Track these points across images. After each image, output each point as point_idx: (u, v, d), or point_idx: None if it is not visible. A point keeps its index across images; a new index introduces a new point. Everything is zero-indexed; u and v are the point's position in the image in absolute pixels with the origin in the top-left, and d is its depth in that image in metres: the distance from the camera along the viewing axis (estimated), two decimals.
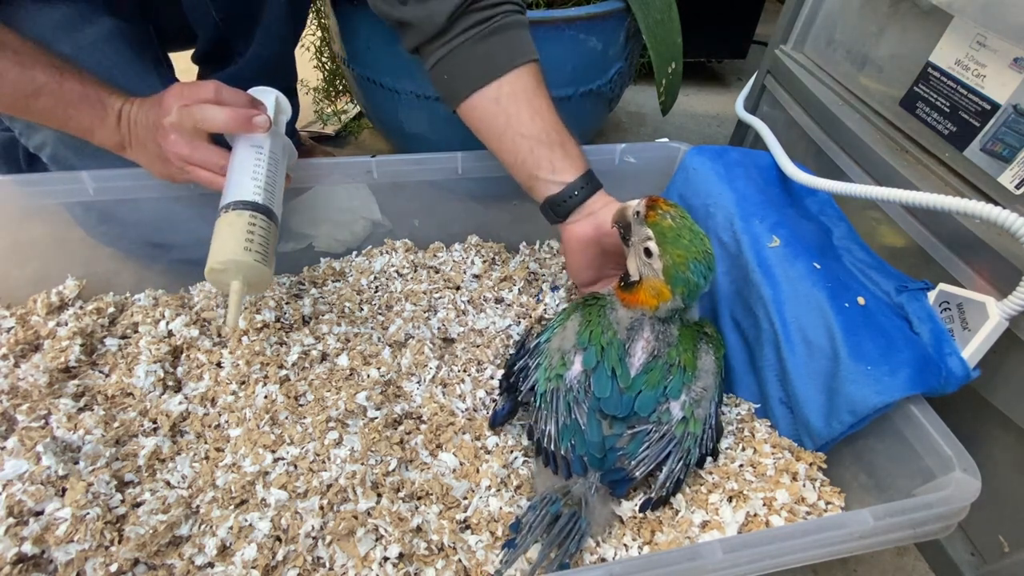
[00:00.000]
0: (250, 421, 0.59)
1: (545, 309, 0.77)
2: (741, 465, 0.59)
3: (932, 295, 0.58)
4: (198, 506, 0.54)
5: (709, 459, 0.58)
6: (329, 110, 1.32)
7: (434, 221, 0.84)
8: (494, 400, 0.66)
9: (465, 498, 0.56)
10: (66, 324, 0.67)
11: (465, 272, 0.81)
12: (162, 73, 0.72)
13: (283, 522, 0.51)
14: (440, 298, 0.78)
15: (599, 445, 0.55)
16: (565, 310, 0.64)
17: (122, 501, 0.53)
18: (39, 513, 0.50)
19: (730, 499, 0.56)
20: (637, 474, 0.55)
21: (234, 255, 0.55)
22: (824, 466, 0.59)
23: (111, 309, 0.70)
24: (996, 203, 0.52)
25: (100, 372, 0.65)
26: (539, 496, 0.54)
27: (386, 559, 0.51)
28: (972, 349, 0.53)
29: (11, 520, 0.48)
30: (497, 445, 0.61)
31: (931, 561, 0.68)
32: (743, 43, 1.58)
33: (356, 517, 0.52)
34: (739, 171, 0.71)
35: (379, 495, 0.54)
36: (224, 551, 0.51)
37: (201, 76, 0.90)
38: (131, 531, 0.50)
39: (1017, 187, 0.56)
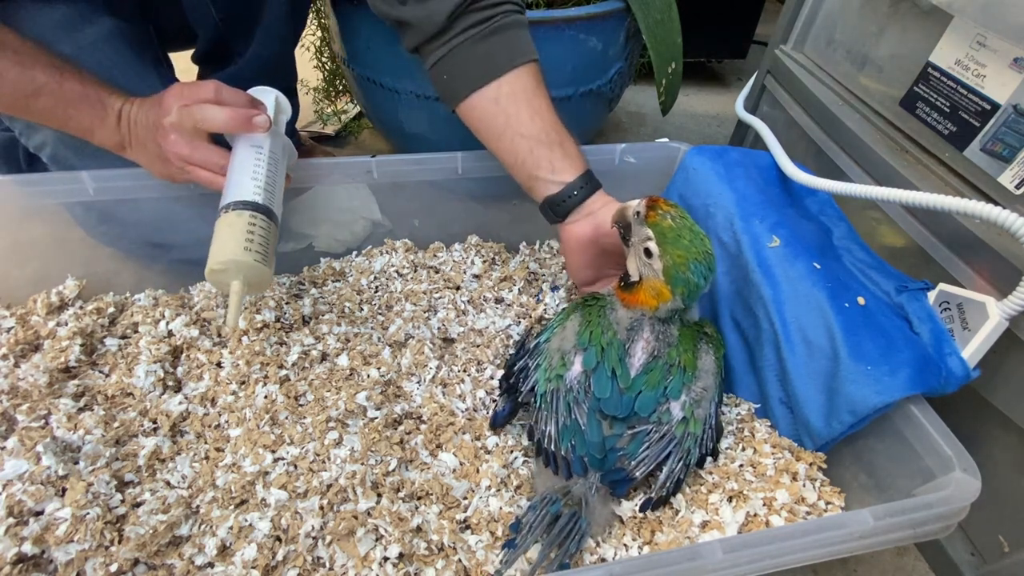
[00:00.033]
0: (250, 421, 0.59)
1: (545, 309, 0.77)
2: (741, 465, 0.59)
3: (932, 295, 0.58)
4: (198, 506, 0.54)
5: (709, 459, 0.58)
6: (329, 110, 1.32)
7: (434, 221, 0.84)
8: (494, 400, 0.66)
9: (465, 498, 0.56)
10: (66, 324, 0.67)
11: (465, 272, 0.81)
12: (162, 73, 0.72)
13: (283, 522, 0.51)
14: (440, 298, 0.78)
15: (599, 445, 0.55)
16: (565, 310, 0.64)
17: (122, 501, 0.53)
18: (39, 513, 0.50)
19: (730, 499, 0.56)
20: (637, 474, 0.55)
21: (234, 255, 0.55)
22: (824, 466, 0.59)
23: (111, 309, 0.70)
24: (996, 203, 0.53)
25: (100, 372, 0.65)
26: (539, 496, 0.54)
27: (386, 559, 0.51)
28: (972, 349, 0.53)
29: (11, 520, 0.48)
30: (497, 445, 0.61)
31: (931, 561, 0.68)
32: (743, 43, 1.58)
33: (356, 517, 0.52)
34: (739, 171, 0.71)
35: (379, 495, 0.54)
36: (224, 551, 0.51)
37: (201, 76, 0.90)
38: (131, 531, 0.50)
39: (1017, 187, 0.56)
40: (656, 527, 0.55)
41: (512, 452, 0.61)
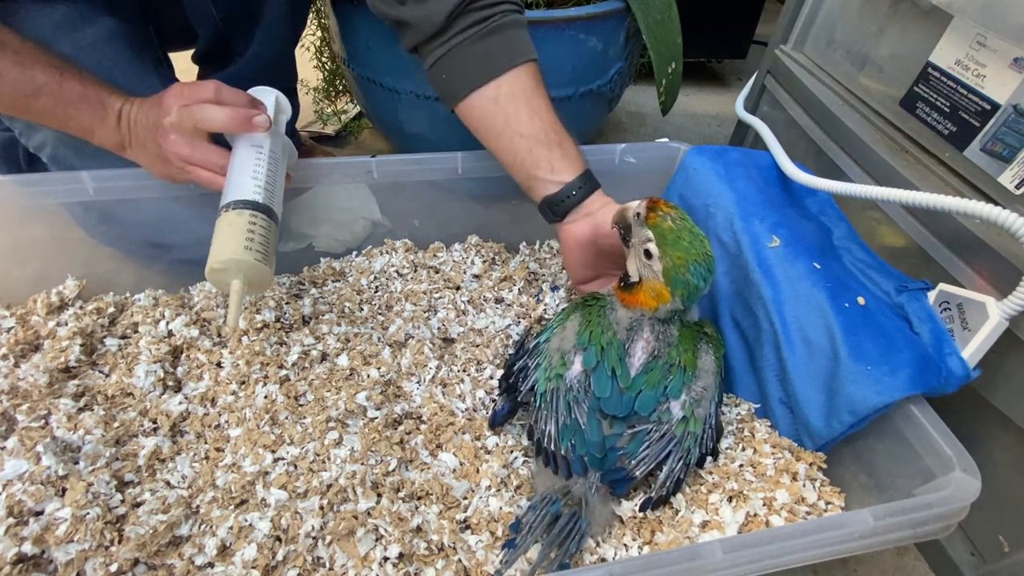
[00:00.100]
0: (250, 421, 0.59)
1: (545, 309, 0.77)
2: (741, 465, 0.59)
3: (932, 295, 0.58)
4: (198, 506, 0.54)
5: (709, 459, 0.58)
6: (329, 110, 1.32)
7: (434, 221, 0.84)
8: (493, 400, 0.66)
9: (465, 498, 0.56)
10: (66, 324, 0.67)
11: (465, 272, 0.81)
12: (162, 73, 0.72)
13: (283, 522, 0.51)
14: (440, 298, 0.78)
15: (599, 445, 0.55)
16: (564, 310, 0.64)
17: (122, 501, 0.53)
18: (39, 513, 0.50)
19: (730, 499, 0.56)
20: (637, 473, 0.55)
21: (234, 254, 0.55)
22: (824, 466, 0.59)
23: (111, 309, 0.70)
24: (996, 203, 0.53)
25: (100, 372, 0.65)
26: (539, 496, 0.54)
27: (386, 559, 0.51)
28: (972, 349, 0.53)
29: (11, 520, 0.48)
30: (497, 445, 0.61)
31: (931, 561, 0.68)
32: (743, 43, 1.58)
33: (356, 517, 0.52)
34: (739, 171, 0.71)
35: (379, 495, 0.54)
36: (224, 551, 0.51)
37: (201, 76, 0.90)
38: (131, 531, 0.50)
39: (1017, 187, 0.56)
40: (656, 527, 0.55)
41: (512, 452, 0.61)
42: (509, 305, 0.78)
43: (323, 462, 0.56)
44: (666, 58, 1.03)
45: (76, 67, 0.60)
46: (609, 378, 0.57)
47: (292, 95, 0.97)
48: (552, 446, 0.56)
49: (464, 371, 0.68)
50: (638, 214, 0.57)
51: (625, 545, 0.55)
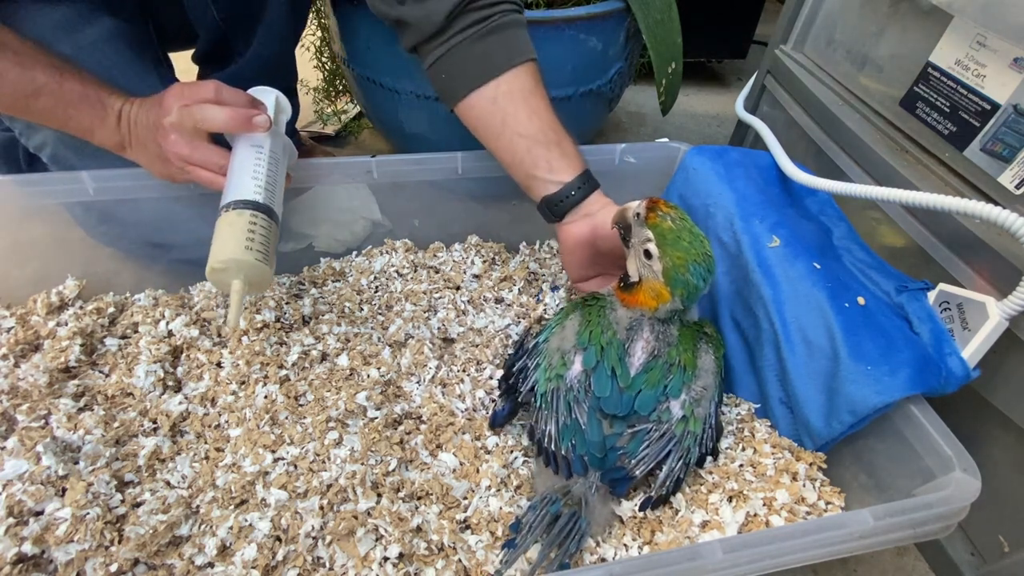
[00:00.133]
0: (250, 421, 0.59)
1: (545, 309, 0.77)
2: (741, 465, 0.59)
3: (932, 295, 0.58)
4: (198, 506, 0.54)
5: (709, 459, 0.58)
6: (329, 110, 1.32)
7: (434, 221, 0.84)
8: (493, 400, 0.66)
9: (465, 498, 0.56)
10: (66, 324, 0.67)
11: (465, 272, 0.81)
12: (162, 73, 0.72)
13: (283, 522, 0.51)
14: (440, 298, 0.78)
15: (599, 445, 0.55)
16: (563, 310, 0.64)
17: (122, 501, 0.53)
18: (39, 513, 0.50)
19: (730, 499, 0.56)
20: (637, 473, 0.55)
21: (235, 254, 0.55)
22: (824, 466, 0.59)
23: (111, 309, 0.70)
24: (996, 203, 0.53)
25: (100, 372, 0.65)
26: (539, 496, 0.54)
27: (386, 559, 0.51)
28: (972, 349, 0.53)
29: (11, 520, 0.48)
30: (497, 445, 0.61)
31: (931, 561, 0.68)
32: (743, 43, 1.58)
33: (356, 517, 0.52)
34: (739, 171, 0.71)
35: (379, 495, 0.54)
36: (224, 551, 0.51)
37: (201, 76, 0.90)
38: (131, 531, 0.50)
39: (1017, 187, 0.56)
40: (656, 527, 0.55)
41: (512, 452, 0.61)
42: (509, 305, 0.78)
43: (323, 462, 0.56)
44: (666, 58, 1.03)
45: (76, 67, 0.60)
46: (609, 378, 0.57)
47: (292, 95, 0.97)
48: (553, 446, 0.56)
49: (464, 371, 0.68)
50: (638, 214, 0.57)
51: (625, 545, 0.55)
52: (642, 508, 0.55)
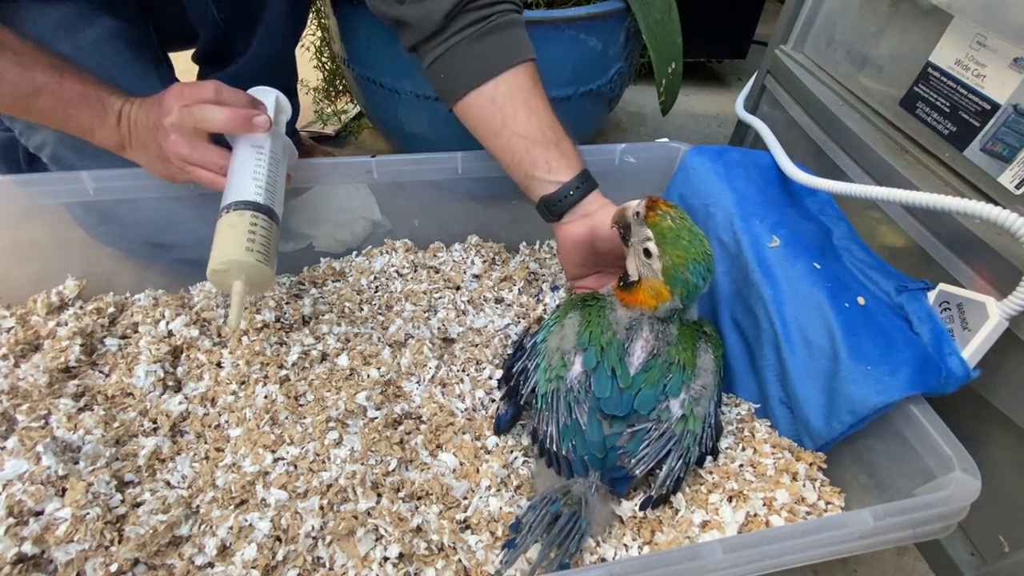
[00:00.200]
0: (250, 421, 0.59)
1: (545, 309, 0.77)
2: (741, 465, 0.59)
3: (932, 295, 0.58)
4: (198, 506, 0.54)
5: (709, 458, 0.58)
6: (329, 110, 1.32)
7: (434, 221, 0.84)
8: (492, 400, 0.66)
9: (465, 498, 0.56)
10: (66, 324, 0.67)
11: (465, 272, 0.81)
12: (162, 73, 0.72)
13: (283, 522, 0.51)
14: (440, 298, 0.78)
15: (600, 445, 0.55)
16: (561, 308, 0.64)
17: (122, 501, 0.53)
18: (39, 513, 0.50)
19: (730, 499, 0.56)
20: (637, 472, 0.55)
21: (236, 256, 0.55)
22: (824, 466, 0.59)
23: (111, 309, 0.70)
24: (996, 203, 0.53)
25: (100, 372, 0.65)
26: (539, 496, 0.54)
27: (386, 559, 0.51)
28: (972, 349, 0.53)
29: (11, 520, 0.48)
30: (497, 445, 0.61)
31: (931, 561, 0.68)
32: (743, 43, 1.58)
33: (356, 517, 0.52)
34: (739, 171, 0.71)
35: (379, 495, 0.54)
36: (224, 551, 0.51)
37: (201, 76, 0.90)
38: (131, 531, 0.50)
39: (1017, 187, 0.56)
40: (656, 527, 0.55)
41: (512, 452, 0.61)
42: (509, 305, 0.78)
43: (323, 462, 0.56)
44: (666, 58, 1.03)
45: (76, 67, 0.60)
46: (609, 378, 0.57)
47: (292, 95, 0.97)
48: (554, 447, 0.56)
49: (464, 371, 0.68)
50: (637, 213, 0.57)
51: (625, 545, 0.55)
52: (642, 508, 0.55)
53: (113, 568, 0.48)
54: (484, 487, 0.57)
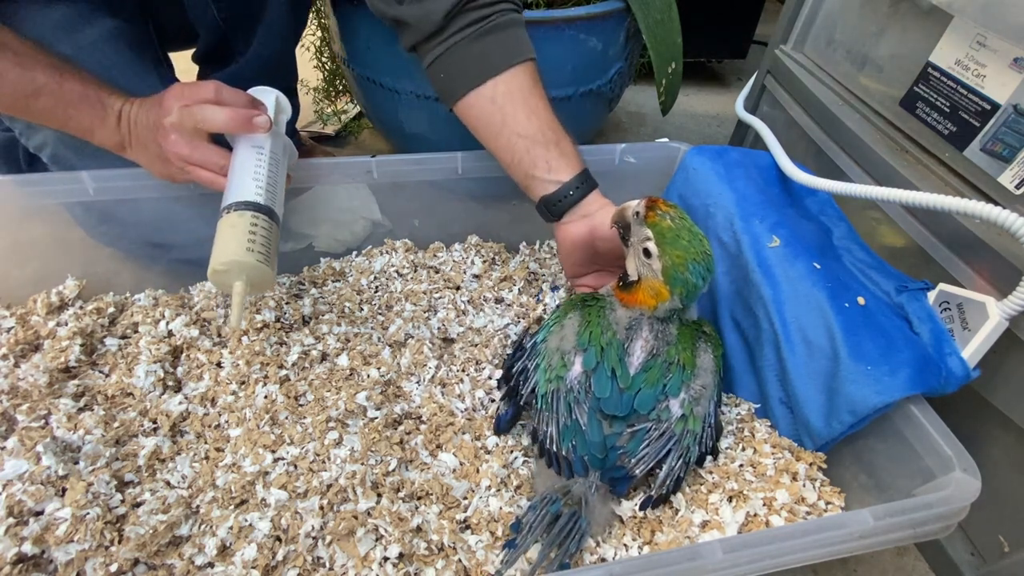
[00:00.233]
0: (250, 421, 0.59)
1: (544, 309, 0.77)
2: (741, 465, 0.59)
3: (932, 295, 0.58)
4: (198, 506, 0.54)
5: (709, 458, 0.58)
6: (329, 110, 1.32)
7: (434, 221, 0.84)
8: (492, 400, 0.66)
9: (465, 498, 0.56)
10: (66, 324, 0.67)
11: (465, 272, 0.81)
12: (162, 73, 0.72)
13: (283, 522, 0.51)
14: (440, 298, 0.78)
15: (600, 445, 0.55)
16: (561, 308, 0.64)
17: (122, 501, 0.53)
18: (39, 513, 0.50)
19: (730, 499, 0.56)
20: (637, 472, 0.55)
21: (236, 256, 0.55)
22: (824, 466, 0.59)
23: (111, 309, 0.70)
24: (996, 203, 0.53)
25: (100, 372, 0.65)
26: (539, 496, 0.54)
27: (386, 559, 0.51)
28: (972, 349, 0.53)
29: (11, 520, 0.48)
30: (497, 445, 0.61)
31: (931, 561, 0.68)
32: (743, 43, 1.58)
33: (356, 517, 0.52)
34: (739, 171, 0.71)
35: (379, 495, 0.54)
36: (224, 551, 0.51)
37: (201, 76, 0.90)
38: (131, 531, 0.50)
39: (1017, 187, 0.56)
40: (656, 527, 0.55)
41: (512, 452, 0.61)
42: (509, 305, 0.78)
43: (323, 462, 0.56)
44: (666, 58, 1.03)
45: (76, 67, 0.60)
46: (609, 378, 0.57)
47: (292, 95, 0.97)
48: (554, 447, 0.56)
49: (463, 371, 0.68)
50: (637, 213, 0.57)
51: (625, 545, 0.55)
52: (642, 508, 0.55)
53: (113, 568, 0.48)
54: (484, 487, 0.57)
